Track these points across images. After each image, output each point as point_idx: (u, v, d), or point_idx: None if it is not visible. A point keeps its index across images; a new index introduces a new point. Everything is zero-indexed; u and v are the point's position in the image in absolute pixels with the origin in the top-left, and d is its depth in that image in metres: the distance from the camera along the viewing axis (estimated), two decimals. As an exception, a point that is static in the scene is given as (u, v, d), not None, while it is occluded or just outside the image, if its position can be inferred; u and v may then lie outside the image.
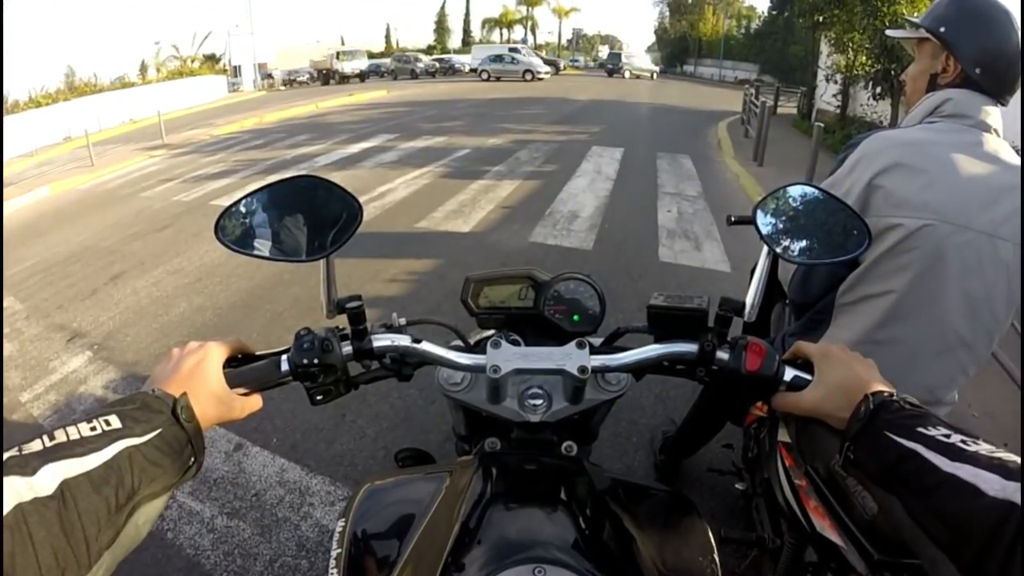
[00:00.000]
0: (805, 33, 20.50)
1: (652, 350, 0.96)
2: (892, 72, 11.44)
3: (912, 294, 1.44)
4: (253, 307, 5.28)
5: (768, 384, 0.91)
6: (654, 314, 1.00)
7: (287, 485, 3.00)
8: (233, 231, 0.98)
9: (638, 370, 1.00)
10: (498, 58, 39.26)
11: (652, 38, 70.21)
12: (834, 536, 1.43)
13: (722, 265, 5.74)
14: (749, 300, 0.98)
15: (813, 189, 1.05)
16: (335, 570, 0.94)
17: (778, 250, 1.01)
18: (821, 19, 14.65)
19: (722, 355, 0.92)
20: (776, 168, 9.97)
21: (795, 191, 1.05)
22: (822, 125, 8.65)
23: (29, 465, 0.59)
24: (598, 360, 0.95)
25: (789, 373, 0.90)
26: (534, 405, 1.04)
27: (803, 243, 1.04)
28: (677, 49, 58.91)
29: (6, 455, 0.60)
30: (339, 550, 0.97)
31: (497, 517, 0.91)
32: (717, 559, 0.91)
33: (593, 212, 7.55)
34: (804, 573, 1.64)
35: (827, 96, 16.30)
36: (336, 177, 9.87)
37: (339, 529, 1.01)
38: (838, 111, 15.61)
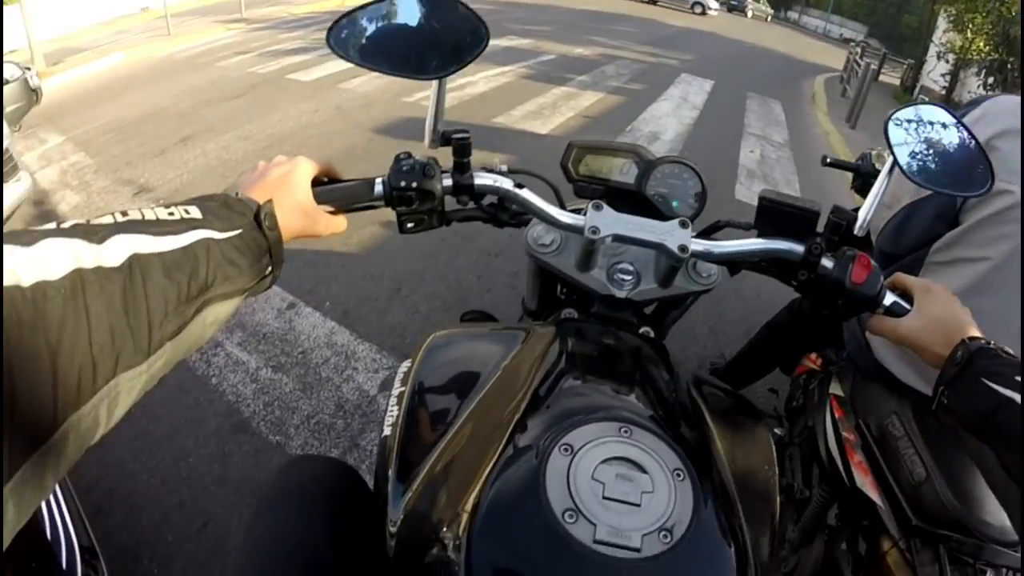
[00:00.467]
0: (923, 3, 19.36)
1: (756, 243, 0.93)
2: (1008, 65, 10.67)
3: (1007, 265, 1.35)
4: (319, 180, 5.25)
5: (866, 302, 0.88)
6: (764, 206, 0.95)
7: (334, 347, 3.03)
8: (347, 40, 0.93)
9: (736, 262, 0.97)
10: None
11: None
12: (873, 494, 1.41)
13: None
14: (862, 214, 0.95)
15: (949, 115, 1.00)
16: (396, 407, 0.92)
17: (903, 165, 0.97)
18: None
19: (826, 263, 0.89)
20: (869, 134, 9.47)
21: (930, 112, 1.00)
22: (927, 100, 8.05)
23: (97, 233, 0.52)
24: (700, 244, 0.92)
25: (889, 297, 0.88)
26: (622, 280, 1.04)
27: (927, 165, 1.00)
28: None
29: (73, 221, 0.53)
30: (403, 388, 0.95)
31: (571, 385, 0.86)
32: (776, 472, 0.89)
33: (674, 137, 7.30)
34: (825, 528, 1.65)
35: (935, 74, 15.48)
36: None
37: (404, 368, 0.99)
38: (943, 92, 14.66)
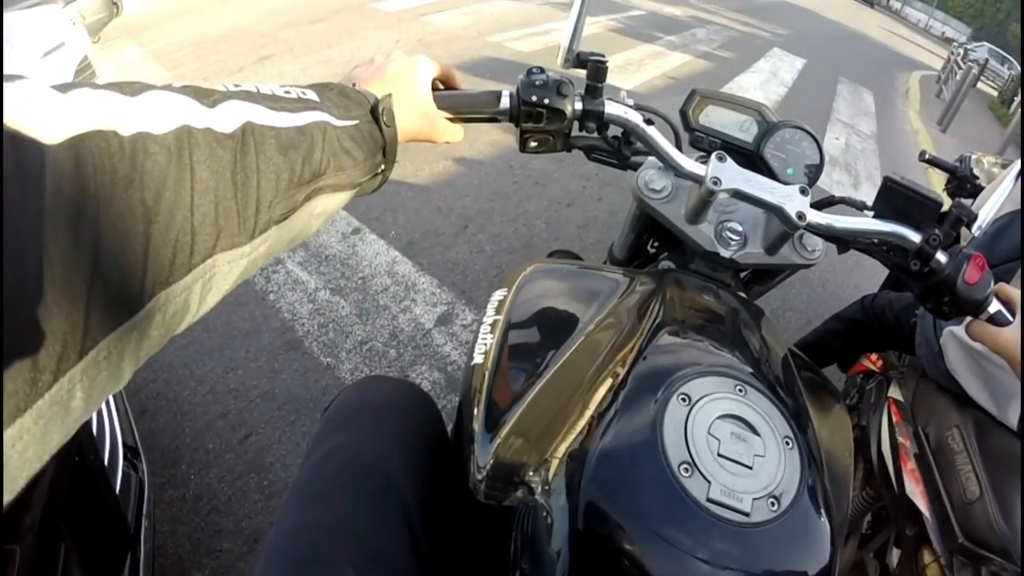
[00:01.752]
0: None
1: (873, 224, 0.90)
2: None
3: None
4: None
5: (973, 306, 0.87)
6: (888, 188, 0.90)
7: (395, 276, 3.02)
8: None
9: (850, 240, 0.93)
10: None
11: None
12: (922, 504, 1.41)
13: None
14: (983, 214, 0.99)
15: None
16: (489, 335, 0.89)
17: None
18: None
19: (941, 257, 0.87)
20: (959, 140, 9.12)
21: None
22: None
23: (210, 96, 0.47)
24: (818, 215, 0.89)
25: (995, 305, 0.87)
26: (730, 239, 1.01)
27: None
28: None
29: (180, 84, 0.48)
30: (497, 317, 0.91)
31: (676, 338, 0.81)
32: (853, 460, 0.87)
33: (759, 108, 7.01)
34: (859, 531, 1.66)
35: None
36: (500, 4, 9.96)
37: (498, 297, 0.95)
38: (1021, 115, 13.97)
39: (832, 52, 13.76)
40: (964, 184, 2.20)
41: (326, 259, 3.05)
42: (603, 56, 0.88)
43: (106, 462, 1.38)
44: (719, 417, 0.67)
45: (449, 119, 0.82)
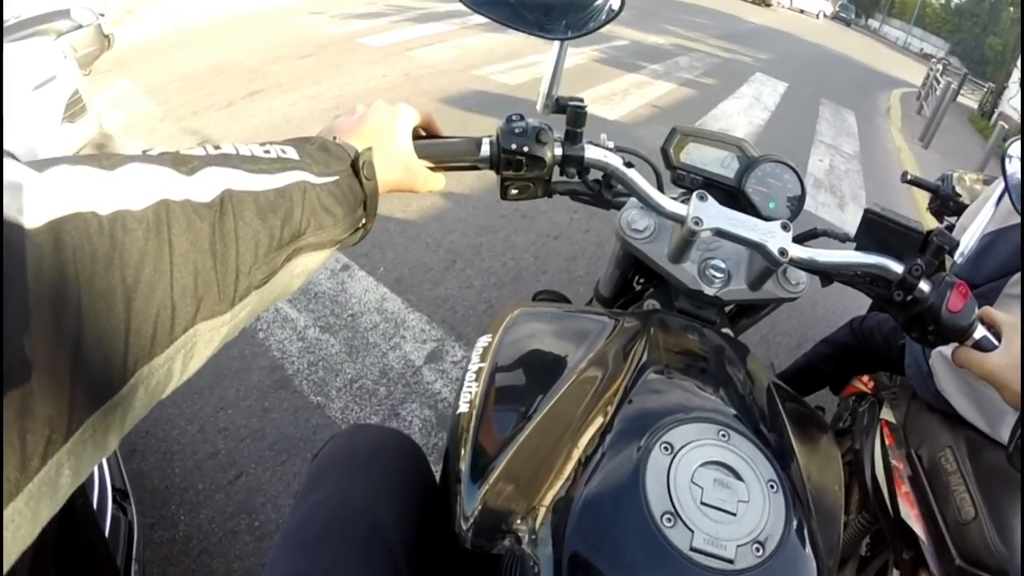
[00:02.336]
0: (1010, 26, 18.71)
1: (856, 256, 0.90)
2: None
3: None
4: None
5: (958, 332, 0.87)
6: (869, 219, 0.91)
7: (384, 314, 3.02)
8: None
9: (833, 274, 0.94)
10: None
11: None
12: (918, 527, 1.40)
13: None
14: (965, 241, 0.99)
15: None
16: (474, 383, 0.89)
17: (1016, 199, 0.98)
18: None
19: (924, 286, 0.87)
20: (941, 156, 9.24)
21: None
22: (1006, 127, 7.74)
23: (188, 164, 0.47)
24: (800, 250, 0.89)
25: (980, 331, 0.86)
26: (713, 277, 1.02)
27: None
28: (867, 0, 53.98)
29: (161, 149, 0.49)
30: (482, 364, 0.91)
31: (661, 381, 0.82)
32: (843, 494, 0.87)
33: (743, 137, 7.03)
34: (857, 555, 1.66)
35: (1015, 101, 15.05)
36: (486, 38, 10.05)
37: (483, 343, 0.95)
38: (1021, 121, 14.12)
39: (813, 74, 13.98)
40: (947, 203, 2.21)
41: (315, 296, 3.05)
42: (582, 101, 0.89)
43: (95, 505, 1.37)
44: (702, 464, 0.67)
45: (430, 168, 0.82)
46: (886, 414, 1.69)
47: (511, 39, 10.08)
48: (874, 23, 50.24)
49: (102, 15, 7.67)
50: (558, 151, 0.88)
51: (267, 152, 0.57)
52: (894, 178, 7.19)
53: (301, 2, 13.16)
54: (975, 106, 18.38)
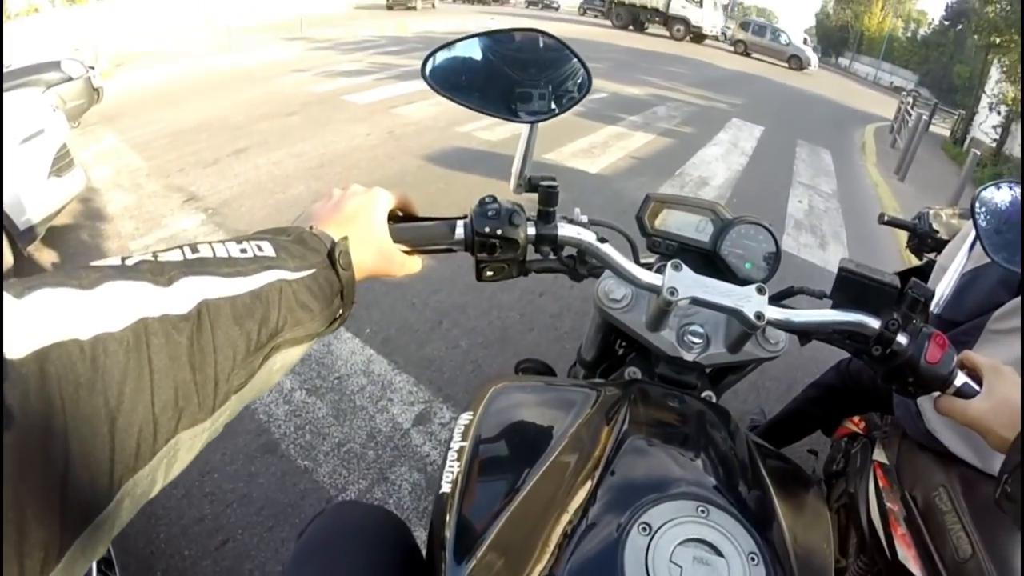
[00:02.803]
0: (976, 53, 19.23)
1: (832, 315, 0.91)
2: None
3: None
4: (369, 203, 5.28)
5: (938, 382, 0.86)
6: (844, 277, 0.91)
7: (371, 375, 3.02)
8: (442, 71, 0.93)
9: (810, 333, 0.94)
10: (760, 29, 32.12)
11: (812, 21, 65.95)
12: (916, 569, 1.38)
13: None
14: (940, 290, 0.99)
15: None
16: (456, 462, 0.88)
17: (987, 245, 0.99)
18: (998, 41, 13.69)
19: (901, 339, 0.87)
20: (917, 187, 9.40)
21: (1013, 188, 1.04)
22: (978, 154, 7.87)
23: (165, 274, 0.49)
24: (777, 312, 0.89)
25: (960, 378, 0.86)
26: (692, 343, 1.02)
27: (1010, 242, 1.01)
28: (835, 39, 54.87)
29: (138, 257, 0.50)
30: (463, 443, 0.91)
31: (642, 454, 0.83)
32: (833, 550, 0.86)
33: (723, 183, 7.25)
34: None
35: (986, 126, 15.25)
36: None
37: (464, 422, 0.94)
38: (994, 144, 14.42)
39: (788, 116, 14.20)
40: (925, 240, 2.22)
41: (301, 359, 2.99)
42: (554, 180, 0.90)
43: (80, 573, 1.37)
44: (681, 543, 0.67)
45: (406, 252, 0.82)
46: (878, 455, 1.67)
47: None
48: (844, 61, 51.39)
49: (91, 68, 7.78)
50: (531, 231, 0.89)
51: (243, 251, 0.57)
52: (873, 214, 7.27)
53: (285, 59, 13.43)
54: (947, 133, 18.61)
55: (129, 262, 0.49)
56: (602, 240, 0.92)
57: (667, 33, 31.42)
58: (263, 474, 2.40)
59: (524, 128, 0.94)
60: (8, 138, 3.76)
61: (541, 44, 0.94)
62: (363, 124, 7.88)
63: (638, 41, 26.97)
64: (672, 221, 1.14)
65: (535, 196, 0.92)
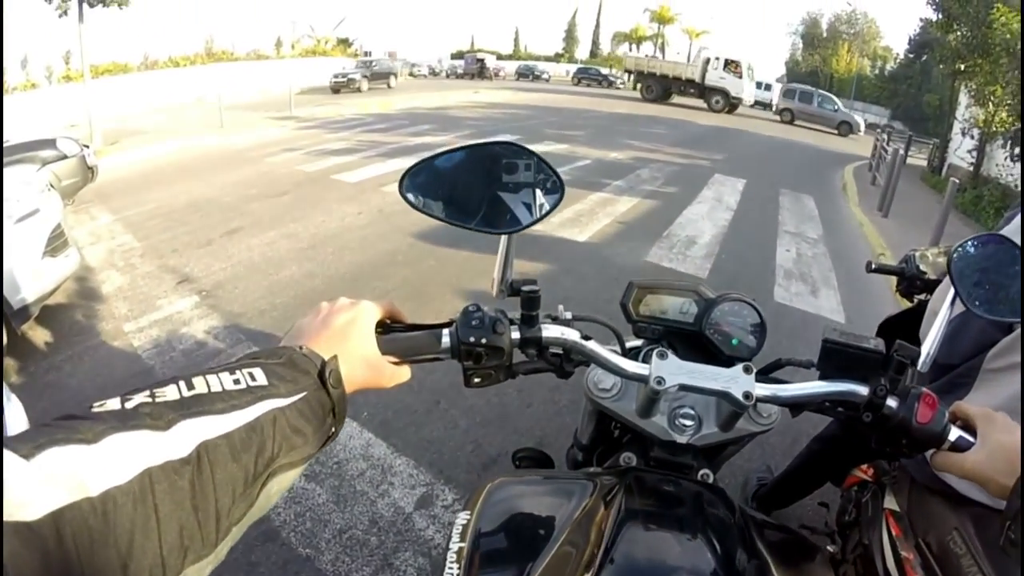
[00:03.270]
0: (943, 81, 19.63)
1: (820, 387, 0.92)
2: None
3: None
4: (362, 282, 5.34)
5: (932, 440, 0.87)
6: (828, 349, 0.93)
7: (370, 460, 3.00)
8: (419, 188, 0.96)
9: (800, 406, 0.95)
10: (806, 96, 30.22)
11: (783, 69, 67.72)
12: None
13: (837, 315, 5.40)
14: (925, 349, 0.96)
15: (1008, 242, 1.04)
16: (455, 564, 0.87)
17: (967, 300, 1.00)
18: (962, 67, 13.95)
19: (891, 403, 0.87)
20: (901, 221, 9.48)
21: (987, 240, 1.06)
22: (957, 182, 7.96)
23: (163, 418, 0.50)
24: (764, 389, 0.91)
25: (954, 433, 0.86)
26: (684, 425, 1.03)
27: (989, 295, 1.02)
28: (807, 84, 56.54)
29: (137, 399, 0.52)
30: (462, 544, 0.90)
31: (640, 543, 0.84)
32: None
33: (710, 240, 7.30)
34: None
35: (961, 151, 15.34)
36: None
37: (462, 522, 0.94)
38: (971, 168, 14.50)
39: (768, 166, 14.40)
40: (914, 282, 2.22)
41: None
42: (535, 285, 0.92)
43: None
44: None
45: (395, 362, 0.83)
46: (889, 502, 1.65)
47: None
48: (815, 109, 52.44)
49: (86, 147, 7.98)
50: (516, 335, 0.90)
51: (236, 382, 0.58)
52: (860, 254, 7.37)
53: (275, 138, 13.69)
54: (925, 163, 18.77)
55: (129, 405, 0.51)
56: (586, 337, 0.94)
57: (703, 104, 30.44)
58: (264, 563, 2.36)
59: (503, 238, 0.97)
60: (3, 218, 3.80)
61: (514, 155, 0.97)
62: (353, 203, 8.02)
63: (619, 106, 27.61)
64: (656, 305, 1.15)
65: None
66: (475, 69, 49.67)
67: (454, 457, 3.06)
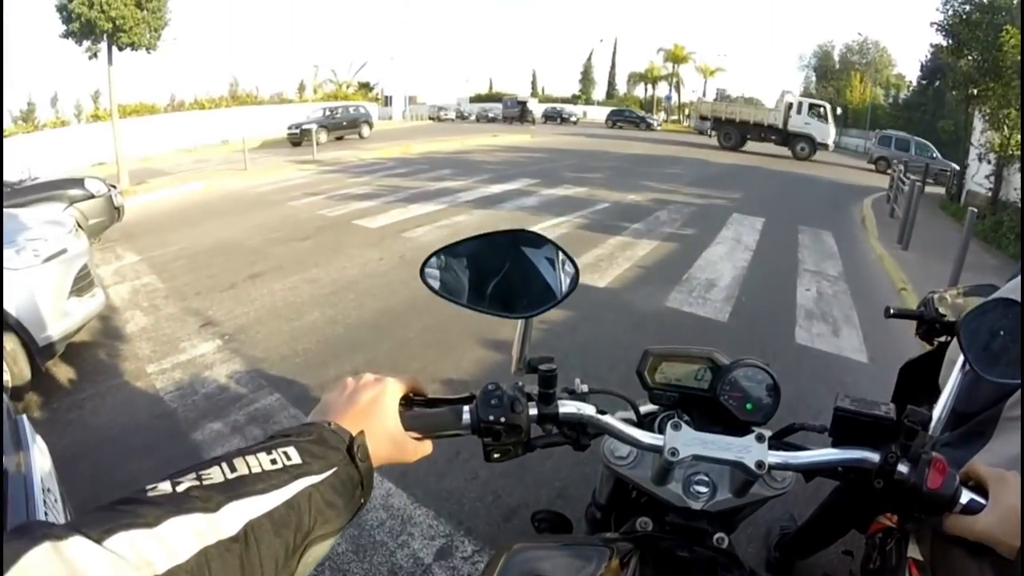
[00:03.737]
0: (957, 106, 19.38)
1: (832, 454, 0.94)
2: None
3: None
4: (383, 329, 5.36)
5: (943, 505, 0.88)
6: (840, 417, 0.95)
7: (390, 510, 3.00)
8: (440, 274, 1.02)
9: (813, 472, 0.97)
10: (903, 143, 27.63)
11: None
12: None
13: (859, 355, 5.31)
14: (937, 413, 1.02)
15: (1015, 304, 1.06)
16: None
17: (977, 366, 1.02)
18: (975, 92, 13.81)
19: (902, 468, 0.89)
20: (921, 253, 9.36)
21: (995, 305, 1.08)
22: (975, 210, 7.83)
23: (212, 500, 0.56)
24: (777, 457, 0.94)
25: (965, 496, 0.87)
26: (699, 492, 1.05)
27: (1000, 358, 1.04)
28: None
29: (186, 482, 0.57)
30: None
31: None
32: None
33: (730, 283, 7.25)
34: None
35: (979, 177, 14.99)
36: (476, 215, 10.37)
37: None
38: (989, 193, 14.26)
39: (786, 203, 14.28)
40: (933, 325, 2.20)
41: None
42: (552, 362, 0.95)
43: None
44: None
45: (417, 438, 0.86)
46: (912, 551, 1.59)
47: (499, 215, 10.56)
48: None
49: (113, 187, 8.21)
50: (533, 412, 0.94)
51: (274, 462, 0.63)
52: (882, 290, 7.33)
53: (298, 182, 13.92)
54: (943, 190, 18.53)
55: (179, 488, 0.55)
56: (601, 412, 0.98)
57: (788, 152, 29.05)
58: (286, 617, 2.36)
59: (520, 321, 1.01)
60: (30, 256, 3.93)
61: (529, 242, 1.02)
62: (375, 249, 8.12)
63: (635, 147, 27.76)
64: (671, 372, 1.16)
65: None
66: (515, 113, 47.58)
67: (474, 508, 3.05)
